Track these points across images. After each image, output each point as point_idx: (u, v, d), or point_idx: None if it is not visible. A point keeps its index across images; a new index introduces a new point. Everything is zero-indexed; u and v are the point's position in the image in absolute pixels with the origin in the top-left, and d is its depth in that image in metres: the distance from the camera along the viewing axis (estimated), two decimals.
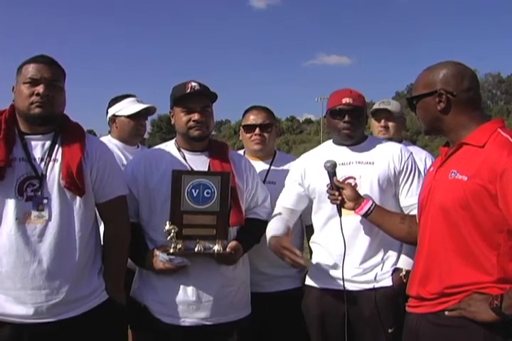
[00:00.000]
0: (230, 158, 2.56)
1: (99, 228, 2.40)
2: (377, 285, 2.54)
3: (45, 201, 2.16)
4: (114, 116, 3.34)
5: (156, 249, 2.40)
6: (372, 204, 2.39)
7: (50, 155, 2.21)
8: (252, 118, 3.01)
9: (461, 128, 1.92)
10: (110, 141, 3.24)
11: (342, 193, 2.43)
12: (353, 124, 2.60)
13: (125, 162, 3.09)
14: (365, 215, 2.40)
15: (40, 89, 2.16)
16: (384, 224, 2.39)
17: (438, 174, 1.97)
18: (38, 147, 2.22)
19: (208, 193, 2.36)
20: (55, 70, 2.24)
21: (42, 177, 2.17)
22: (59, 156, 2.21)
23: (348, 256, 2.51)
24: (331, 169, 2.46)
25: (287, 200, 2.77)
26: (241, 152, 3.09)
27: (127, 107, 3.32)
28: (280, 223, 2.65)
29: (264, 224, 2.66)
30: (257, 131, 2.97)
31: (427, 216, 1.97)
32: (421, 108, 2.00)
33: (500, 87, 76.97)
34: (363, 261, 2.55)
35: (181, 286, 2.40)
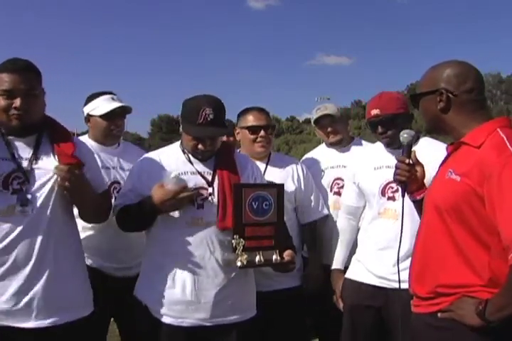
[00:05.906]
0: (236, 162, 2.53)
1: (80, 239, 2.42)
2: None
3: (29, 196, 2.15)
4: (89, 116, 3.06)
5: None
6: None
7: (35, 153, 2.21)
8: (256, 120, 2.97)
9: (462, 127, 1.89)
10: (87, 141, 2.88)
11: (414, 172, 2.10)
12: (387, 133, 2.65)
13: (100, 164, 2.82)
14: (419, 201, 2.11)
15: (16, 102, 2.12)
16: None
17: (439, 172, 1.95)
18: (22, 146, 2.21)
19: (266, 205, 2.38)
20: (30, 78, 2.16)
21: (27, 174, 2.16)
22: (44, 155, 2.21)
23: (387, 254, 2.59)
24: (409, 142, 2.13)
25: (349, 198, 2.95)
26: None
27: (101, 106, 3.01)
28: (347, 246, 2.93)
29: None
30: (263, 132, 2.94)
31: (424, 213, 1.97)
32: (422, 106, 1.98)
33: (500, 87, 76.80)
34: (401, 261, 2.58)
35: (181, 287, 2.39)
